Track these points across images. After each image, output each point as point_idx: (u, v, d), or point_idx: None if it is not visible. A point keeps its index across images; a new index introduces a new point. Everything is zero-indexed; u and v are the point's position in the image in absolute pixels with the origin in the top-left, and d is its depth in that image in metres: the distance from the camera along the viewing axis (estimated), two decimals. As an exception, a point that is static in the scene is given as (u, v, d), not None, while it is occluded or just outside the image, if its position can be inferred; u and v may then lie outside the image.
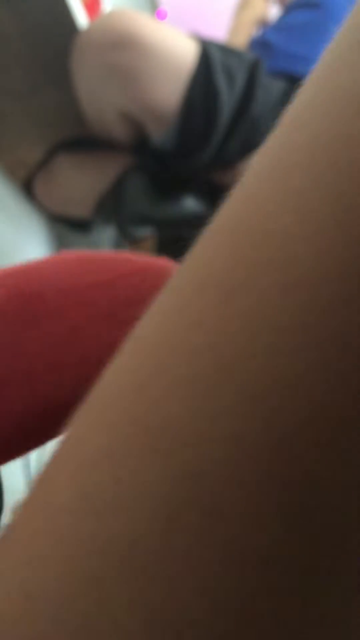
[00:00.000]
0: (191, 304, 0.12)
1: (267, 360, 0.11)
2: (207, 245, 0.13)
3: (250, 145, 0.95)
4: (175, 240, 0.99)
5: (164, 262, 0.28)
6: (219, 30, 1.26)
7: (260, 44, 1.06)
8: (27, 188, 1.13)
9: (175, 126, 0.89)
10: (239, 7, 1.28)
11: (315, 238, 0.11)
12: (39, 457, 1.28)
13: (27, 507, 0.13)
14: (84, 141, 1.09)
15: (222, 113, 0.89)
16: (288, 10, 1.13)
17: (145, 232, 0.94)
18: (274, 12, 1.28)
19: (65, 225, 1.22)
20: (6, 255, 1.43)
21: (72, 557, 0.11)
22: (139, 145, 0.99)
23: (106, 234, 1.02)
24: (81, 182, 1.06)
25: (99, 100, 0.93)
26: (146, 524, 0.11)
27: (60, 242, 1.83)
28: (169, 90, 0.87)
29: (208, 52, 0.89)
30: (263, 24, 1.25)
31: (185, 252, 0.14)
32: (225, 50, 0.94)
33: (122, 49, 0.85)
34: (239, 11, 1.27)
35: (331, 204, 0.11)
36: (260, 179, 0.13)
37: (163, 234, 0.96)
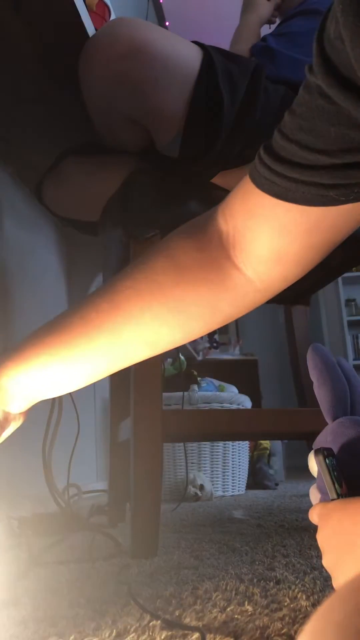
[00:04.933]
0: None
1: None
2: None
3: (252, 149, 0.97)
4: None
5: None
6: (223, 36, 1.28)
7: (262, 50, 1.07)
8: (37, 192, 1.15)
9: (180, 131, 0.90)
10: (244, 10, 1.28)
11: None
12: (49, 451, 1.31)
13: None
14: (91, 145, 1.11)
15: (225, 118, 0.90)
16: (289, 17, 1.14)
17: (151, 233, 0.96)
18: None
19: (74, 228, 1.24)
20: (18, 256, 1.47)
21: None
22: (145, 150, 1.02)
23: (113, 235, 1.05)
24: (89, 185, 1.08)
25: (106, 107, 0.95)
26: None
27: (69, 244, 1.86)
28: (175, 97, 0.89)
29: (211, 59, 0.90)
30: (269, 24, 1.25)
31: None
32: (228, 56, 0.95)
33: (128, 58, 0.87)
34: (244, 14, 1.28)
35: None
36: None
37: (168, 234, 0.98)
